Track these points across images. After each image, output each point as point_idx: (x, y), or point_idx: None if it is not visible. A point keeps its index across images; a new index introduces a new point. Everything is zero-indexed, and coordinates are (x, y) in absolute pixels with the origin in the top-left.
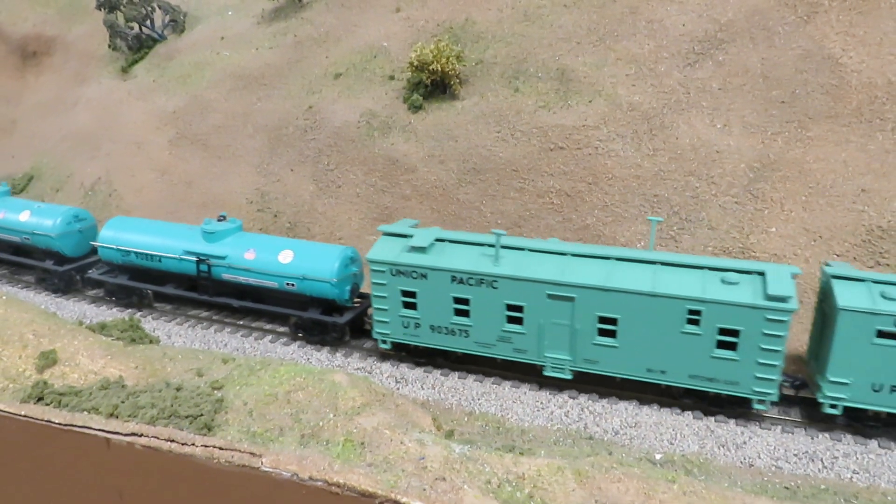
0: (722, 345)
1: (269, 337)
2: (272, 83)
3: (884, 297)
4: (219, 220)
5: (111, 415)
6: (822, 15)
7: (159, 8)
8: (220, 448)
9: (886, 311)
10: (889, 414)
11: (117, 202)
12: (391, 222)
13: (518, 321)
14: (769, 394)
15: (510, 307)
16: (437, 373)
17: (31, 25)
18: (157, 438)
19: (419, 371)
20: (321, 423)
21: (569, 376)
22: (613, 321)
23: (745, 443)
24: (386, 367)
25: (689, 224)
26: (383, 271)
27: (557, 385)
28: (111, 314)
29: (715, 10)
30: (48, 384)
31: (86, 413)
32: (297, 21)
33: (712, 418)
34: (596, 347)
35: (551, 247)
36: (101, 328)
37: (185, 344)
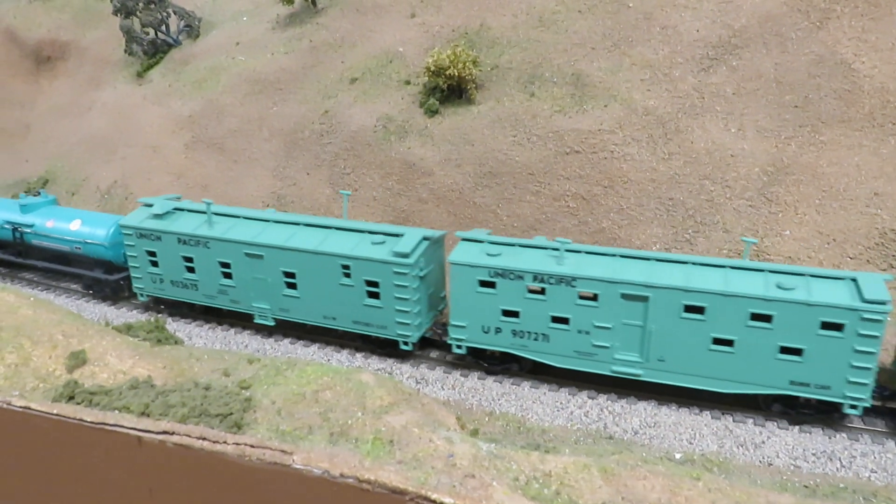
0: (370, 294)
1: (290, 339)
2: (288, 88)
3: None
4: (34, 196)
5: (142, 413)
6: (834, 21)
7: (174, 13)
8: (252, 446)
9: (484, 265)
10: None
11: (134, 206)
12: (408, 225)
13: (229, 276)
14: (409, 336)
15: (222, 264)
16: (456, 373)
17: (45, 31)
18: (189, 436)
19: (439, 372)
20: (350, 422)
21: (272, 323)
22: (293, 275)
23: (763, 442)
24: (406, 367)
25: (704, 227)
26: (131, 234)
27: (576, 385)
28: (133, 316)
29: (728, 15)
30: (78, 384)
31: (117, 412)
32: (312, 26)
33: (730, 417)
34: (285, 298)
35: (259, 215)
36: (128, 329)
37: (206, 345)
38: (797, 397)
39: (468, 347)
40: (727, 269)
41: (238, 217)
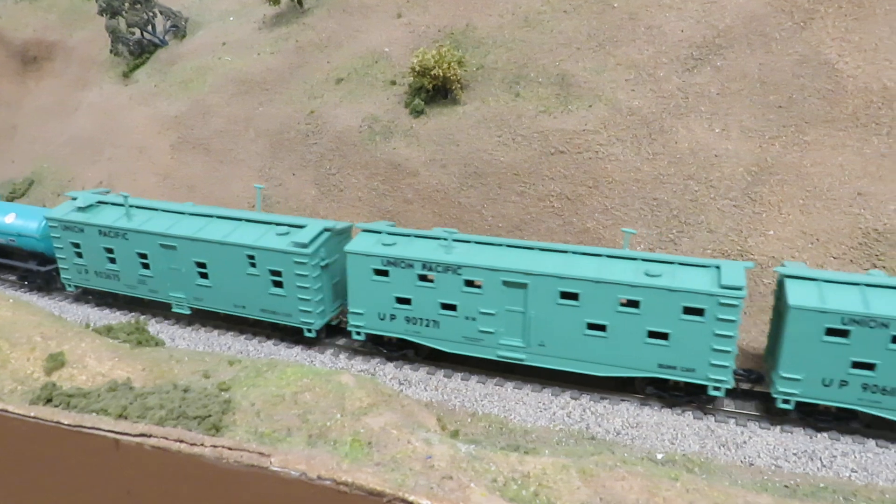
0: (275, 283)
1: (273, 340)
2: (274, 88)
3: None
4: None
5: (120, 416)
6: (818, 21)
7: (161, 13)
8: (229, 448)
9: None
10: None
11: None
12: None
13: (147, 266)
14: (311, 323)
15: (140, 255)
16: (440, 374)
17: (31, 31)
18: (167, 439)
19: (422, 373)
20: (329, 424)
21: (188, 311)
22: (205, 265)
23: (745, 442)
24: (389, 369)
25: (689, 227)
26: (56, 226)
27: (560, 386)
28: (115, 318)
29: (713, 16)
30: (57, 386)
31: (95, 414)
32: (298, 26)
33: (712, 418)
34: (199, 287)
35: (175, 208)
36: (108, 331)
37: (189, 346)
38: (667, 380)
39: (366, 334)
40: (603, 257)
41: (156, 210)
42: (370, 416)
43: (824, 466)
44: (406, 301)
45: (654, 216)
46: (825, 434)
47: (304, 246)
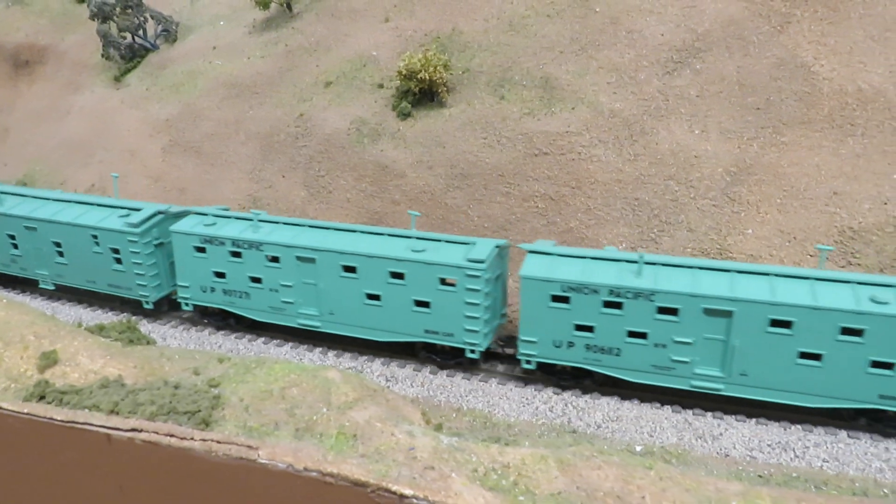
0: (116, 260)
1: (263, 339)
2: (264, 91)
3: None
4: None
5: (112, 411)
6: (794, 25)
7: (152, 18)
8: (218, 442)
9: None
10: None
11: None
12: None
13: (16, 247)
14: (147, 296)
15: (10, 236)
16: (426, 371)
17: (23, 35)
18: (157, 433)
19: (409, 370)
20: (315, 418)
21: (52, 287)
22: (60, 245)
23: (721, 434)
24: (376, 365)
25: (669, 226)
26: None
27: (542, 381)
28: (107, 317)
29: (692, 20)
30: (49, 383)
31: (87, 410)
32: (287, 31)
33: (690, 412)
34: (58, 265)
35: (42, 194)
36: (100, 330)
37: (180, 345)
38: (435, 344)
39: (194, 305)
40: (385, 236)
41: (24, 196)
42: (355, 410)
43: (797, 457)
44: (258, 280)
45: (636, 216)
46: (799, 426)
47: (136, 226)
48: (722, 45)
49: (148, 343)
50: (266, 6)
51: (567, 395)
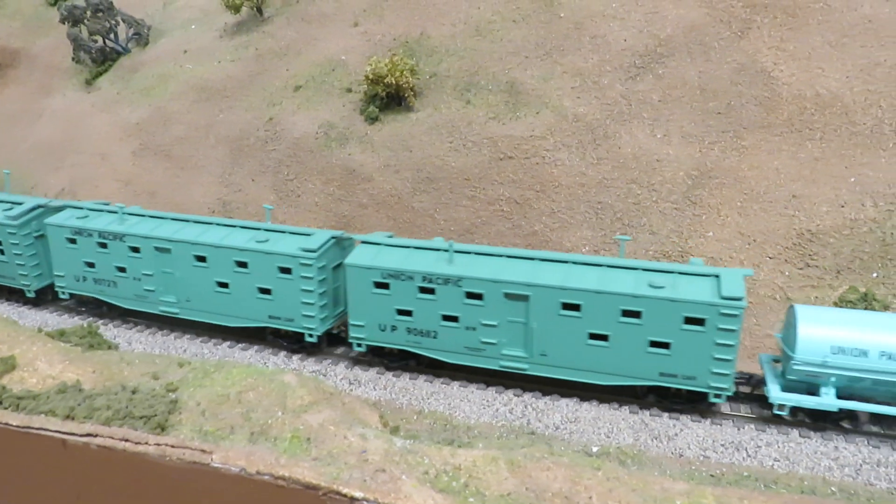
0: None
1: (229, 342)
2: (234, 95)
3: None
4: None
5: (67, 417)
6: (755, 31)
7: (123, 21)
8: (172, 446)
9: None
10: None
11: None
12: (349, 230)
13: None
14: (29, 285)
15: None
16: (388, 374)
17: None
18: (112, 438)
19: (372, 373)
20: (270, 421)
21: None
22: None
23: (676, 434)
24: (340, 369)
25: (631, 229)
26: None
27: (504, 383)
28: (72, 322)
29: (654, 26)
30: (6, 389)
31: (43, 415)
32: (258, 35)
33: (647, 412)
34: None
35: None
36: (61, 335)
37: (145, 350)
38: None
39: (70, 293)
40: (238, 228)
41: None
42: (310, 414)
43: (749, 456)
44: (91, 265)
45: (599, 219)
46: (752, 425)
47: (15, 219)
48: (684, 51)
49: (109, 348)
50: (237, 10)
51: (527, 396)
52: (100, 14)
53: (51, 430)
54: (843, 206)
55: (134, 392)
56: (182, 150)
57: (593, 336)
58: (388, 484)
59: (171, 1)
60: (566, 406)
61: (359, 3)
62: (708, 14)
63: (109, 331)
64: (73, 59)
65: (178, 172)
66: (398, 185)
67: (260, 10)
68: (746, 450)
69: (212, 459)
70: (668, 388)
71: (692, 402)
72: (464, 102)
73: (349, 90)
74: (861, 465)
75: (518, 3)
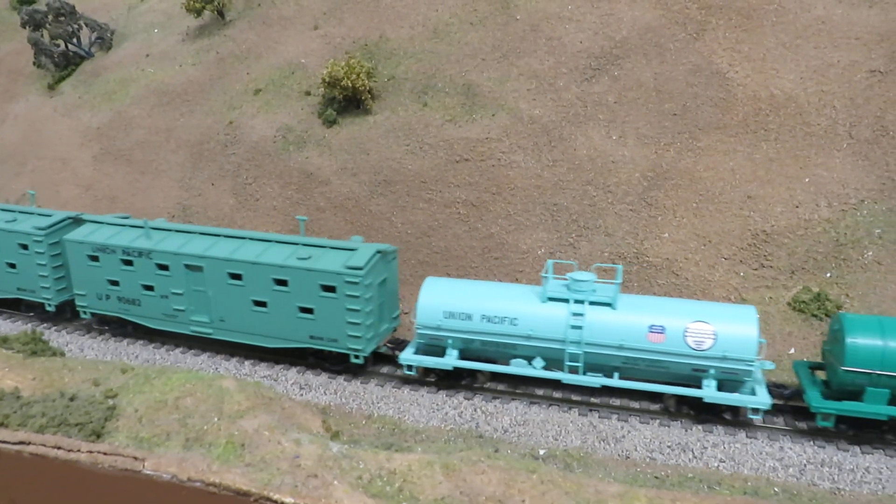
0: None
1: (181, 349)
2: (195, 99)
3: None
4: None
5: (1, 424)
6: (710, 32)
7: (86, 25)
8: (105, 453)
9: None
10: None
11: None
12: (306, 234)
13: None
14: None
15: None
16: (340, 378)
17: None
18: (45, 446)
19: (323, 377)
20: (206, 427)
21: None
22: None
23: (623, 437)
24: (291, 374)
25: (587, 231)
26: None
27: (454, 388)
28: (16, 328)
29: (610, 28)
30: None
31: None
32: (220, 38)
33: (596, 414)
34: None
35: None
36: (3, 341)
37: (97, 356)
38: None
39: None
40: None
41: None
42: (246, 419)
43: (695, 457)
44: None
45: (555, 221)
46: (699, 426)
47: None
48: (639, 52)
49: (54, 354)
50: (199, 13)
51: (477, 400)
52: (62, 18)
53: None
54: (797, 207)
55: (72, 399)
56: (142, 155)
57: (256, 303)
58: (320, 489)
59: (135, 4)
60: (515, 409)
61: (319, 7)
62: (663, 16)
63: (62, 337)
64: (34, 63)
65: (139, 177)
66: (355, 188)
67: (222, 14)
68: (693, 451)
69: (144, 466)
70: (322, 351)
71: (343, 363)
72: (421, 105)
73: (308, 93)
74: (805, 466)
75: (475, 5)
